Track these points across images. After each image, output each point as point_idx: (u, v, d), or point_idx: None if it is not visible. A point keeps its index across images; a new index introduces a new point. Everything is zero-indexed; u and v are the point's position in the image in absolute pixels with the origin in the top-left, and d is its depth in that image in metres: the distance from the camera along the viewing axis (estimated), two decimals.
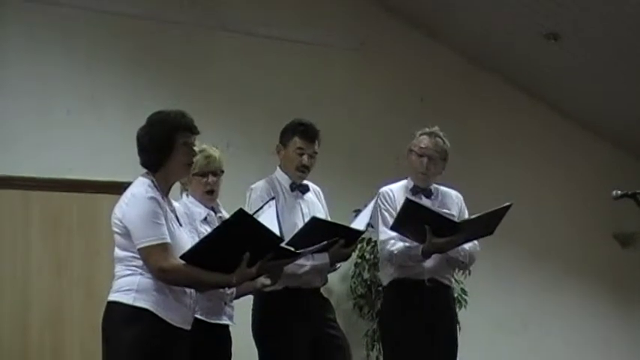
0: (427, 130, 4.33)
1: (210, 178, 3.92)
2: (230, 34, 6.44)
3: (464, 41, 7.20)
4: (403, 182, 4.38)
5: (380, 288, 5.54)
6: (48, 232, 5.76)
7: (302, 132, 4.09)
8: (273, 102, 6.34)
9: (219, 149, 4.04)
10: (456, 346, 4.35)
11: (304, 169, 4.11)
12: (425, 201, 4.26)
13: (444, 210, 4.25)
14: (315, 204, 4.19)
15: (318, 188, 4.32)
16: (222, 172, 3.99)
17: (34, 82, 5.83)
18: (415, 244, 4.14)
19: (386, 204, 4.26)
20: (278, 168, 4.19)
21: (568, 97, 7.49)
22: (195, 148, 3.47)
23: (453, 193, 4.44)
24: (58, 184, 5.77)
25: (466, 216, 4.34)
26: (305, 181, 4.20)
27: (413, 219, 4.02)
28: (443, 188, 4.42)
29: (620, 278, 7.67)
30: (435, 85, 7.24)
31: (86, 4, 5.97)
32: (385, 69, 7.04)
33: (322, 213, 4.20)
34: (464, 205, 4.42)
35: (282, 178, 4.15)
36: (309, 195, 4.20)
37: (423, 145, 4.28)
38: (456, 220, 4.12)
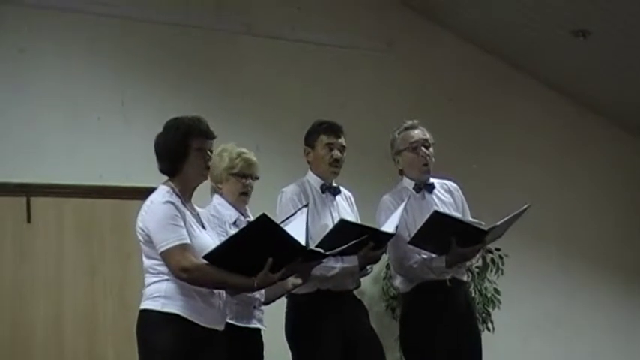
0: (406, 125, 4.27)
1: (248, 181, 3.97)
2: (256, 38, 6.42)
3: (492, 40, 7.13)
4: (400, 185, 4.29)
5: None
6: (81, 239, 5.77)
7: (326, 129, 4.13)
8: (300, 105, 6.30)
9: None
10: (481, 343, 4.26)
11: (337, 164, 4.11)
12: (428, 198, 4.20)
13: (471, 219, 4.19)
14: (344, 208, 4.17)
15: (349, 194, 4.30)
16: (257, 178, 4.04)
17: (64, 90, 5.82)
18: (433, 255, 4.06)
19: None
20: (309, 171, 4.19)
21: (598, 95, 7.42)
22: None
23: (453, 186, 4.35)
24: (89, 190, 5.79)
25: (467, 208, 4.30)
26: (337, 185, 4.19)
27: (438, 231, 3.92)
28: (438, 182, 4.32)
29: None
30: (463, 85, 7.17)
31: (114, 12, 5.99)
32: (413, 70, 6.99)
33: (351, 217, 4.15)
34: (463, 198, 4.35)
35: (313, 180, 4.15)
36: (339, 199, 4.18)
37: (415, 139, 4.21)
38: (484, 227, 4.02)
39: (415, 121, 4.28)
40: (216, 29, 6.32)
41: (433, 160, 4.26)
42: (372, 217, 4.27)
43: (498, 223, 4.00)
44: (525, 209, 4.06)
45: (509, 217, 4.03)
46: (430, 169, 4.25)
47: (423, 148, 4.20)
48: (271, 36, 6.45)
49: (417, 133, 4.23)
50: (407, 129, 4.26)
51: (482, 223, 4.10)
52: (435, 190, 4.26)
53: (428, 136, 4.25)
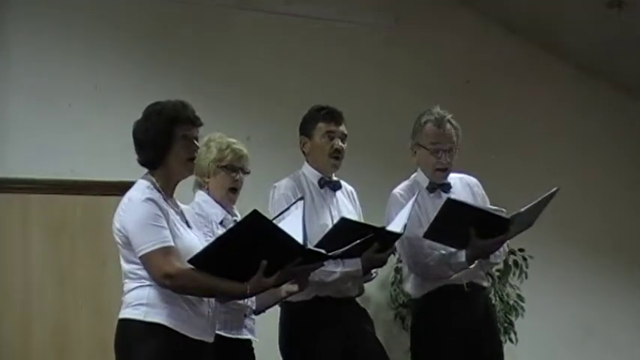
0: (433, 117, 4.01)
1: (239, 175, 3.85)
2: (247, 12, 6.22)
3: (513, 15, 6.86)
4: (413, 178, 4.10)
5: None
6: (49, 239, 5.63)
7: (325, 115, 3.94)
8: (296, 89, 6.04)
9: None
10: (503, 355, 4.08)
11: (337, 155, 3.94)
12: (444, 196, 3.94)
13: (491, 206, 3.99)
14: (345, 205, 4.00)
15: (351, 188, 4.13)
16: (248, 172, 3.91)
17: (30, 71, 5.63)
18: (450, 249, 3.88)
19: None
20: (305, 163, 4.02)
21: (635, 76, 7.10)
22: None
23: (473, 181, 4.17)
24: (59, 185, 5.64)
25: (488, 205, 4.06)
26: (337, 178, 4.04)
27: (454, 222, 3.74)
28: (456, 176, 4.12)
29: None
30: (481, 65, 6.90)
31: None
32: (424, 48, 6.74)
33: (353, 215, 3.98)
34: (485, 194, 4.16)
35: (309, 173, 3.98)
36: (340, 194, 4.01)
37: (434, 140, 3.98)
38: (506, 215, 3.80)
39: (447, 116, 4.01)
40: (202, 3, 6.11)
41: (452, 165, 4.05)
42: (377, 214, 4.05)
43: (522, 209, 3.81)
44: (554, 193, 3.85)
45: (535, 202, 3.84)
46: (447, 175, 4.05)
47: (441, 153, 3.98)
48: (264, 10, 6.24)
49: (441, 133, 3.97)
50: (434, 123, 4.00)
51: (504, 210, 3.87)
52: (452, 188, 4.08)
53: (454, 138, 4.00)
